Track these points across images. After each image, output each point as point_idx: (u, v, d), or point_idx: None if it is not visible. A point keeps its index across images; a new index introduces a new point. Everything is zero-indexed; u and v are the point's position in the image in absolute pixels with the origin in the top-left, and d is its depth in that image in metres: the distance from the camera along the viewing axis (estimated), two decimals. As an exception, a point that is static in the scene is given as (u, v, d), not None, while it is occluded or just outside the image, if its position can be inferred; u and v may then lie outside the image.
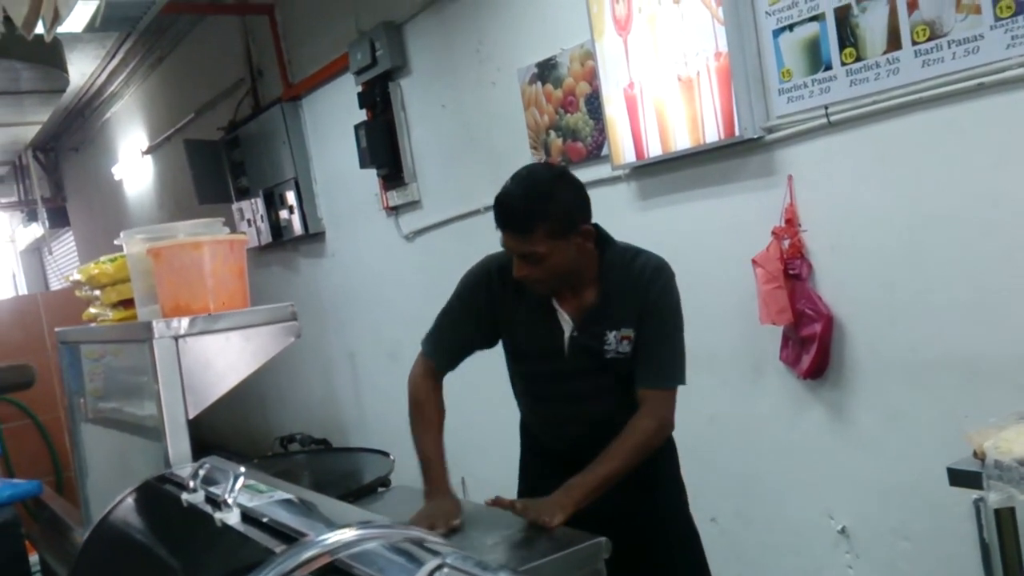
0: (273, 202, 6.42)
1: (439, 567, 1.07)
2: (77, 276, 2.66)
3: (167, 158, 8.54)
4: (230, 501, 1.47)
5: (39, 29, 2.91)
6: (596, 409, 2.41)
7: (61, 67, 6.93)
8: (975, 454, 2.12)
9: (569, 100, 3.84)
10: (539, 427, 2.60)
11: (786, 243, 3.05)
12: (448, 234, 4.81)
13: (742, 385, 3.39)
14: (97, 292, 2.59)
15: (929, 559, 2.90)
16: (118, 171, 9.82)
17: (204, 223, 2.26)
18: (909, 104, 2.69)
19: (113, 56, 8.39)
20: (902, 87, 2.68)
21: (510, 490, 2.51)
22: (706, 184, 3.36)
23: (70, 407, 2.86)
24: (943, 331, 2.73)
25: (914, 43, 2.62)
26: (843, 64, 2.81)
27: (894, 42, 2.66)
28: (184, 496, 1.64)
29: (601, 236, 2.39)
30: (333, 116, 5.69)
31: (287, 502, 1.51)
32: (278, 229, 6.44)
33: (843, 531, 3.15)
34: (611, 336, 2.34)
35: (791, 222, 3.05)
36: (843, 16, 2.78)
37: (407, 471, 2.81)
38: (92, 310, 2.68)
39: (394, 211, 5.27)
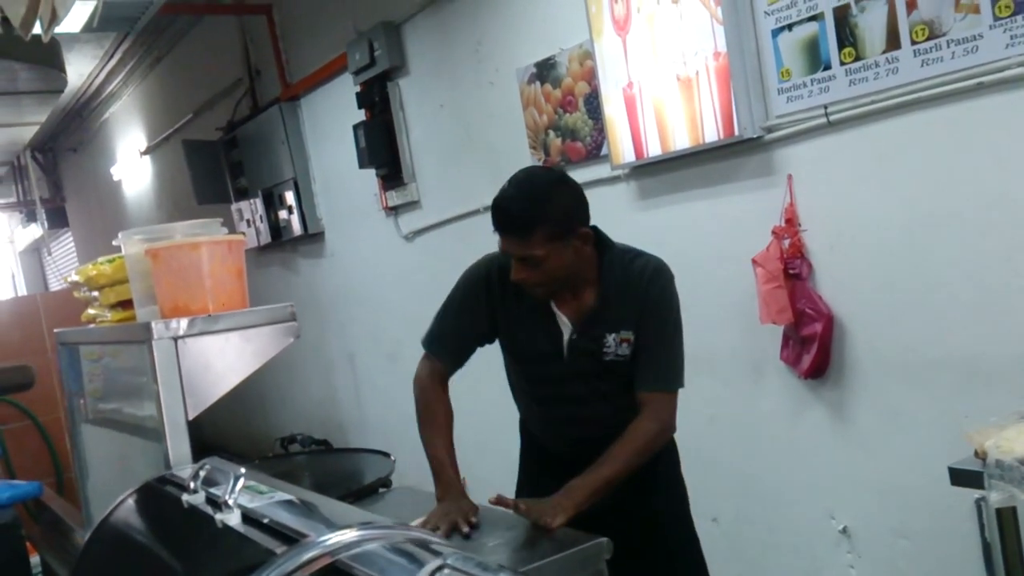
0: (272, 202, 6.42)
1: (440, 568, 1.07)
2: (75, 277, 2.66)
3: (165, 158, 8.54)
4: (231, 502, 1.47)
5: (37, 29, 2.90)
6: (595, 411, 2.41)
7: (59, 67, 6.92)
8: (976, 454, 2.11)
9: (568, 100, 3.84)
10: (538, 428, 2.59)
11: (786, 243, 3.05)
12: (447, 234, 4.81)
13: (742, 385, 3.39)
14: (96, 293, 2.59)
15: (931, 559, 2.90)
16: (117, 171, 9.82)
17: (202, 224, 2.26)
18: (908, 104, 2.68)
19: (111, 56, 8.38)
20: (901, 87, 2.68)
21: (510, 490, 2.51)
22: (705, 184, 3.36)
23: (70, 408, 2.86)
24: (944, 330, 2.73)
25: (913, 43, 2.62)
26: (842, 64, 2.81)
27: (893, 42, 2.66)
28: (185, 497, 1.64)
29: (600, 238, 2.38)
30: (332, 116, 5.69)
31: (288, 503, 1.51)
32: (277, 229, 6.44)
33: (844, 531, 3.15)
34: (610, 338, 2.33)
35: (791, 222, 3.05)
36: (842, 16, 2.78)
37: (408, 472, 2.82)
38: (91, 311, 2.68)
39: (393, 211, 5.27)
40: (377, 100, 5.07)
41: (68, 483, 5.45)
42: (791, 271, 3.03)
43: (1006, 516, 2.17)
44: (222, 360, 2.06)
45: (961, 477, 2.16)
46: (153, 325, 2.01)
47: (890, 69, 2.69)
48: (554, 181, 2.31)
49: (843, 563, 3.18)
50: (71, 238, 12.88)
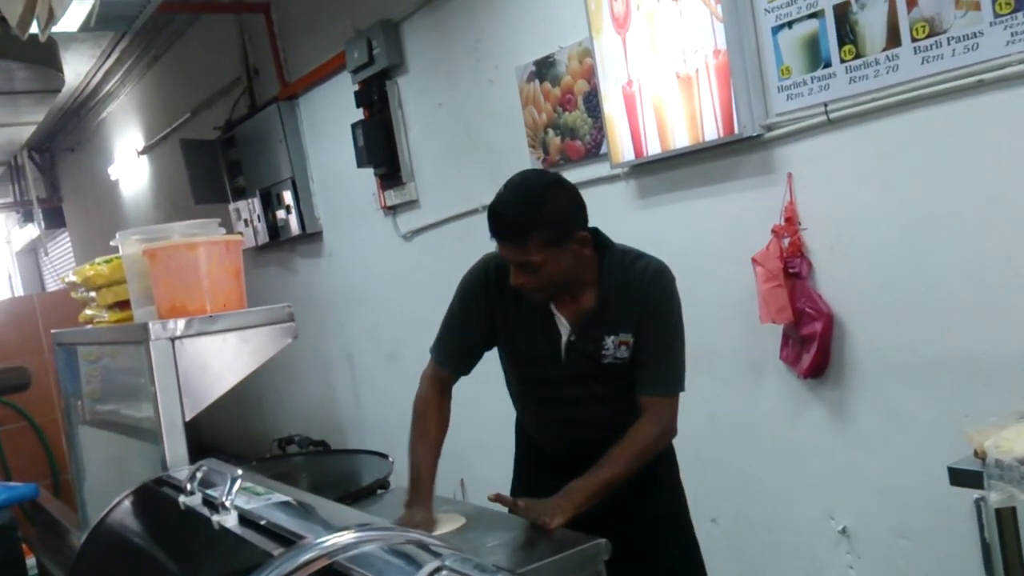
0: (270, 202, 6.41)
1: (438, 569, 1.06)
2: (73, 277, 2.65)
3: (163, 158, 8.53)
4: (228, 504, 1.46)
5: (34, 29, 2.89)
6: (593, 414, 2.40)
7: (56, 67, 6.91)
8: (976, 453, 2.11)
9: (567, 98, 3.83)
10: (535, 430, 2.59)
11: (786, 241, 3.04)
12: (446, 233, 4.80)
13: (742, 384, 3.38)
14: (93, 294, 2.58)
15: (930, 559, 2.89)
16: (114, 171, 9.81)
17: (200, 224, 2.26)
18: (909, 101, 2.68)
19: (108, 56, 8.37)
20: (902, 84, 2.67)
21: (508, 490, 2.50)
22: (705, 182, 3.35)
23: (67, 409, 2.85)
24: (944, 330, 2.73)
25: (913, 40, 2.61)
26: (842, 61, 2.80)
27: (893, 39, 2.66)
28: (181, 499, 1.63)
29: (600, 240, 2.37)
30: (330, 115, 5.68)
31: (285, 505, 1.50)
32: (275, 229, 6.43)
33: (844, 531, 3.15)
34: (609, 341, 2.32)
35: (791, 220, 3.04)
36: (842, 13, 2.77)
37: (406, 473, 2.80)
38: (88, 312, 2.67)
39: (392, 210, 5.26)
40: (375, 99, 5.06)
41: (64, 485, 5.43)
42: (791, 270, 3.03)
43: (1005, 516, 2.16)
44: (219, 361, 2.06)
45: (960, 477, 2.15)
46: (150, 326, 2.00)
47: (890, 67, 2.68)
48: (550, 185, 2.29)
49: (842, 563, 3.17)
50: (68, 238, 12.87)
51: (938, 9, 2.53)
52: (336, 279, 6.15)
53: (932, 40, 2.56)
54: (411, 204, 5.10)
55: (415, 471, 2.36)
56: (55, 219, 12.47)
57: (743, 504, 3.49)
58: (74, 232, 12.54)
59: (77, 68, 8.54)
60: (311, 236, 6.22)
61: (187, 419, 2.00)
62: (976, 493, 2.14)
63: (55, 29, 3.02)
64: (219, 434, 7.73)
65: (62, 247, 13.27)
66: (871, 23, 2.70)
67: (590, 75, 3.64)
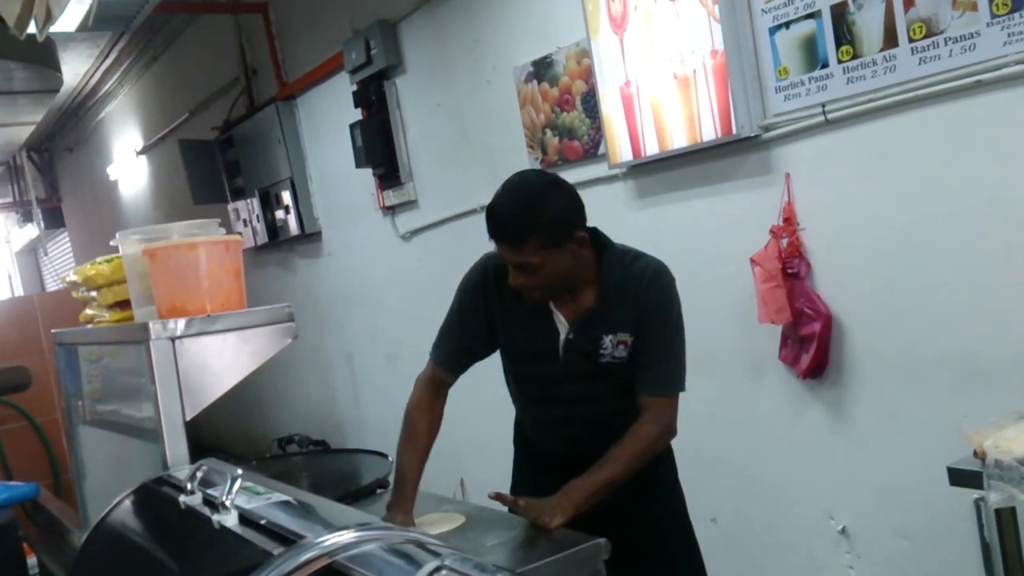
0: (269, 202, 6.41)
1: (437, 569, 1.07)
2: (73, 277, 2.66)
3: (162, 158, 8.53)
4: (228, 503, 1.47)
5: (31, 29, 2.89)
6: (591, 413, 2.40)
7: (54, 67, 6.91)
8: (975, 453, 2.11)
9: (565, 99, 3.83)
10: (534, 429, 2.59)
11: (784, 242, 3.05)
12: (445, 233, 4.80)
13: (741, 385, 3.38)
14: (93, 293, 2.59)
15: (930, 559, 2.89)
16: (113, 171, 9.81)
17: (199, 224, 2.26)
18: (906, 102, 2.68)
19: (107, 56, 8.37)
20: (899, 85, 2.68)
21: (506, 490, 2.50)
22: (703, 183, 3.35)
23: (67, 409, 2.85)
24: (942, 330, 2.73)
25: (910, 40, 2.61)
26: (840, 62, 2.80)
27: (890, 39, 2.66)
28: (182, 498, 1.64)
29: (599, 239, 2.37)
30: (328, 115, 5.68)
31: (285, 504, 1.50)
32: (274, 229, 6.43)
33: (843, 531, 3.15)
34: (607, 340, 2.32)
35: (789, 220, 3.04)
36: (839, 13, 2.77)
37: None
38: (89, 311, 2.68)
39: (390, 211, 5.27)
40: (374, 99, 5.06)
41: (65, 484, 5.43)
42: (789, 270, 3.03)
43: (1005, 516, 2.16)
44: (219, 360, 2.06)
45: (960, 477, 2.16)
46: (151, 325, 2.01)
47: (888, 67, 2.69)
48: (547, 186, 2.29)
49: (842, 563, 3.17)
50: (67, 238, 12.87)
51: (935, 10, 2.54)
52: (335, 279, 6.16)
53: (929, 41, 2.57)
54: (410, 204, 5.11)
55: (400, 474, 2.36)
56: (54, 219, 12.47)
57: (742, 504, 3.50)
58: (73, 232, 12.54)
59: (75, 68, 8.54)
60: (310, 236, 6.22)
61: (187, 419, 2.00)
62: (976, 493, 2.14)
63: (53, 29, 3.02)
64: (219, 434, 7.73)
65: (61, 247, 13.27)
66: (868, 23, 2.70)
67: (588, 75, 3.65)
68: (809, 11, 2.85)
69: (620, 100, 3.45)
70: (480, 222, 2.31)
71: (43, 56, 6.42)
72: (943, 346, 2.74)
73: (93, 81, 9.15)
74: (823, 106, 2.88)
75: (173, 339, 2.01)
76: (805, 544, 3.29)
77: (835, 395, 3.08)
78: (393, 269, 5.37)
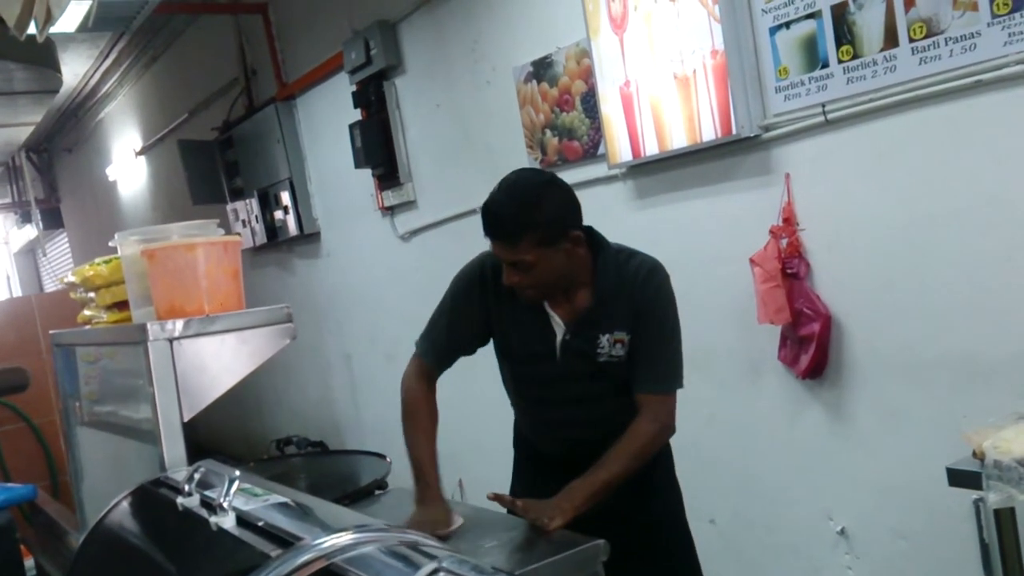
0: (268, 202, 6.41)
1: (435, 571, 1.07)
2: (72, 278, 2.66)
3: (161, 159, 8.53)
4: (225, 505, 1.46)
5: (31, 29, 2.89)
6: (589, 413, 2.40)
7: (54, 67, 6.92)
8: (974, 454, 2.11)
9: (565, 99, 3.83)
10: (532, 431, 2.58)
11: (784, 242, 3.04)
12: (444, 234, 4.80)
13: (740, 385, 3.38)
14: (92, 294, 2.59)
15: (928, 559, 2.89)
16: (112, 172, 9.81)
17: (198, 224, 2.26)
18: (906, 102, 2.68)
19: (106, 56, 8.36)
20: (899, 85, 2.67)
21: (505, 490, 2.50)
22: (703, 183, 3.35)
23: (65, 410, 2.85)
24: (942, 330, 2.73)
25: (911, 40, 2.61)
26: (840, 62, 2.80)
27: (891, 39, 2.66)
28: (179, 500, 1.64)
29: (594, 239, 2.36)
30: (327, 116, 5.68)
31: (283, 506, 1.50)
32: (273, 230, 6.42)
33: (842, 532, 3.15)
34: (604, 339, 2.32)
35: (789, 221, 3.04)
36: (840, 13, 2.77)
37: (404, 474, 2.80)
38: (87, 312, 2.68)
39: (389, 211, 5.26)
40: (373, 99, 5.05)
41: (63, 486, 5.43)
42: (789, 270, 3.03)
43: (1004, 517, 2.16)
44: (218, 362, 2.06)
45: (959, 478, 2.16)
46: (149, 326, 2.00)
47: (888, 67, 2.68)
48: (543, 184, 2.29)
49: (841, 564, 3.17)
50: (66, 239, 12.87)
51: (936, 9, 2.53)
52: (334, 279, 6.15)
53: (930, 40, 2.57)
54: (409, 204, 5.10)
55: (418, 463, 2.34)
56: (53, 220, 12.47)
57: (741, 504, 3.49)
58: (72, 233, 12.53)
59: (75, 69, 8.54)
60: (309, 237, 6.22)
61: (185, 420, 2.00)
62: (975, 494, 2.13)
63: (53, 30, 3.02)
64: (218, 435, 7.73)
65: (60, 248, 13.27)
66: (869, 23, 2.70)
67: (588, 76, 3.64)
68: (809, 11, 2.85)
69: (620, 100, 3.44)
70: (479, 222, 2.31)
71: (43, 57, 6.42)
72: (942, 346, 2.73)
73: (93, 82, 9.15)
74: (823, 106, 2.88)
75: (171, 340, 2.01)
76: (804, 544, 3.29)
77: (834, 395, 3.07)
78: (392, 269, 5.37)
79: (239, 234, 6.09)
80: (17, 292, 14.89)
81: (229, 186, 6.91)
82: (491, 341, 2.50)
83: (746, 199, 3.20)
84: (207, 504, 1.55)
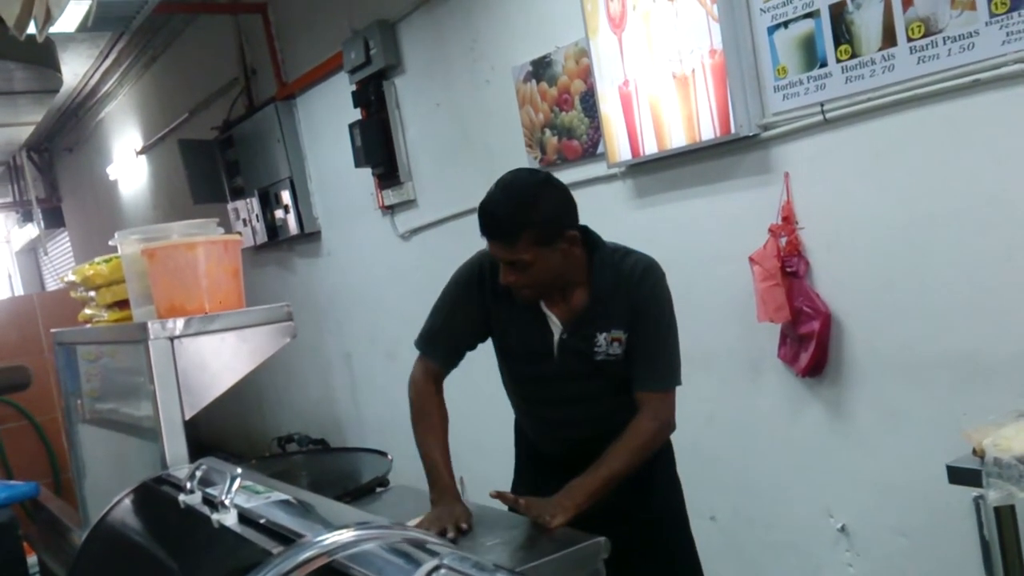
0: (268, 202, 6.41)
1: (436, 568, 1.07)
2: (72, 277, 2.66)
3: (161, 158, 8.53)
4: (227, 502, 1.47)
5: (31, 29, 2.89)
6: (588, 411, 2.40)
7: (54, 67, 6.91)
8: (974, 452, 2.11)
9: (564, 98, 3.83)
10: (533, 430, 2.59)
11: (783, 240, 3.05)
12: (444, 233, 4.81)
13: (740, 383, 3.38)
14: (92, 293, 2.59)
15: (929, 557, 2.90)
16: (113, 171, 9.81)
17: (198, 223, 2.26)
18: (905, 101, 2.68)
19: (106, 56, 8.37)
20: (898, 84, 2.68)
21: (508, 489, 2.50)
22: (702, 182, 3.35)
23: (67, 408, 2.85)
24: (942, 328, 2.73)
25: (909, 40, 2.61)
26: (838, 61, 2.80)
27: (889, 39, 2.66)
28: (181, 497, 1.64)
29: (589, 238, 2.37)
30: (327, 115, 5.68)
31: (284, 503, 1.51)
32: (274, 229, 6.43)
33: (843, 529, 3.15)
34: (601, 338, 2.33)
35: (788, 219, 3.04)
36: (838, 13, 2.77)
37: (405, 471, 2.82)
38: (88, 311, 2.68)
39: (390, 210, 5.27)
40: (373, 99, 5.06)
41: (65, 483, 5.45)
42: (788, 269, 3.03)
43: (1004, 514, 2.17)
44: (218, 360, 2.07)
45: (959, 475, 2.16)
46: (149, 325, 2.01)
47: (886, 66, 2.69)
48: (540, 184, 2.29)
49: (841, 561, 3.18)
50: (67, 238, 12.87)
51: (934, 9, 2.54)
52: (334, 278, 6.16)
53: (928, 40, 2.57)
54: (409, 204, 5.11)
55: (432, 464, 2.34)
56: (54, 219, 12.47)
57: (742, 502, 3.50)
58: (73, 232, 12.54)
59: (75, 68, 8.54)
60: (309, 236, 6.22)
61: (186, 418, 2.01)
62: (975, 491, 2.14)
63: (53, 29, 3.02)
64: (219, 433, 7.73)
65: (61, 247, 13.27)
66: (867, 23, 2.71)
67: (587, 75, 3.65)
68: (808, 10, 2.85)
69: (619, 99, 3.45)
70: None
71: (43, 56, 6.42)
72: (942, 345, 2.74)
73: (93, 81, 9.15)
74: (822, 105, 2.88)
75: (172, 339, 2.01)
76: (804, 542, 3.29)
77: (834, 393, 3.08)
78: (392, 268, 5.38)
79: (240, 233, 6.09)
80: (19, 291, 14.89)
81: (230, 185, 6.91)
82: (488, 337, 2.51)
83: (745, 198, 3.20)
84: (209, 501, 1.56)
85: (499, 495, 2.23)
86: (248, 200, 6.66)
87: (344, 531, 1.22)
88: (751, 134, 3.08)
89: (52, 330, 2.86)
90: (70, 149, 11.52)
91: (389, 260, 5.40)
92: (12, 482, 3.43)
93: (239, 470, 1.54)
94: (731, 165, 3.23)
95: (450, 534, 2.10)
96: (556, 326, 2.35)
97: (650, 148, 3.38)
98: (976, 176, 2.59)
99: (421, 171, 4.96)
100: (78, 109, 10.20)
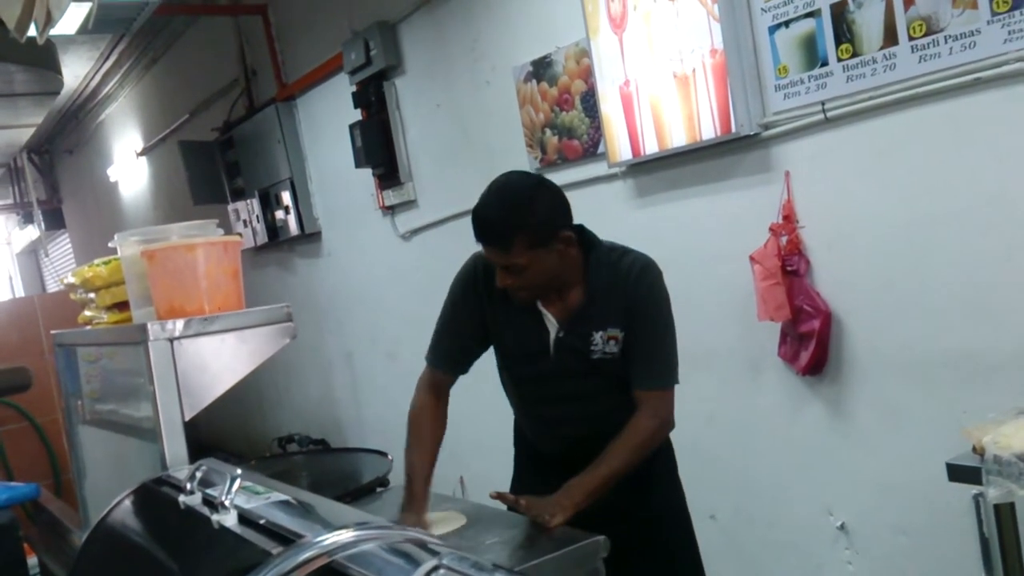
0: (269, 202, 6.41)
1: (436, 568, 1.07)
2: (72, 279, 2.66)
3: (162, 159, 8.53)
4: (227, 503, 1.47)
5: (31, 31, 2.89)
6: (585, 410, 2.41)
7: (55, 69, 6.91)
8: (974, 449, 2.11)
9: (564, 98, 3.83)
10: (531, 429, 2.59)
11: (784, 239, 3.05)
12: (444, 233, 4.81)
13: (740, 382, 3.38)
14: (92, 295, 2.59)
15: (928, 555, 2.90)
16: (113, 173, 9.82)
17: (198, 225, 2.26)
18: (906, 100, 2.68)
19: (107, 58, 8.37)
20: (899, 83, 2.68)
21: (508, 489, 2.50)
22: (703, 181, 3.35)
23: (67, 410, 2.85)
24: (942, 327, 2.73)
25: (910, 38, 2.61)
26: (839, 60, 2.80)
27: (890, 37, 2.66)
28: (181, 498, 1.64)
29: (585, 238, 2.37)
30: (328, 116, 5.68)
31: (284, 504, 1.51)
32: (274, 229, 6.43)
33: (842, 527, 3.15)
34: (597, 336, 2.32)
35: (788, 218, 3.04)
36: (839, 12, 2.77)
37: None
38: (88, 313, 2.68)
39: (390, 210, 5.27)
40: (373, 100, 5.06)
41: (66, 484, 5.45)
42: (789, 268, 3.03)
43: (1004, 512, 2.17)
44: (218, 361, 2.07)
45: (959, 473, 2.16)
46: (149, 326, 2.01)
47: (887, 65, 2.69)
48: (532, 187, 2.29)
49: (841, 559, 3.17)
50: (68, 239, 12.88)
51: (935, 7, 2.54)
52: (335, 279, 6.16)
53: (929, 39, 2.57)
54: (409, 204, 5.11)
55: (409, 475, 2.36)
56: (55, 220, 12.48)
57: (742, 501, 3.50)
58: (74, 233, 12.54)
59: (76, 70, 8.55)
60: (310, 236, 6.22)
61: (186, 419, 2.01)
62: (975, 489, 2.14)
63: (53, 31, 3.02)
64: (219, 433, 7.74)
65: (62, 248, 13.27)
66: (868, 22, 2.70)
67: (587, 75, 3.65)
68: (809, 10, 2.85)
69: (619, 99, 3.45)
70: (477, 224, 2.31)
71: (43, 59, 6.42)
72: (942, 344, 2.74)
73: (93, 83, 9.16)
74: (823, 104, 2.88)
75: (171, 340, 2.01)
76: (804, 540, 3.29)
77: (834, 392, 3.08)
78: (393, 269, 5.38)
79: (240, 234, 6.10)
80: (20, 292, 14.90)
81: (230, 186, 6.91)
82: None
83: (746, 197, 3.20)
84: (209, 502, 1.56)
85: (499, 495, 2.24)
86: (248, 201, 6.66)
87: (344, 531, 1.22)
88: (752, 133, 3.08)
89: (52, 332, 2.86)
90: (71, 151, 11.53)
91: (389, 260, 5.40)
92: (13, 483, 3.43)
93: (239, 471, 1.54)
94: (732, 164, 3.23)
95: None
96: (552, 324, 2.35)
97: (651, 148, 3.38)
98: (977, 175, 2.58)
99: (421, 171, 4.96)
100: (79, 111, 10.20)
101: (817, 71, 2.87)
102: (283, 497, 1.53)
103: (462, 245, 2.50)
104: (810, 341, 3.02)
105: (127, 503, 1.91)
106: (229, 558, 1.44)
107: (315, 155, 6.03)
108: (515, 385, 2.53)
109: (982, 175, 2.57)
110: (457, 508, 2.41)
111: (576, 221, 2.35)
